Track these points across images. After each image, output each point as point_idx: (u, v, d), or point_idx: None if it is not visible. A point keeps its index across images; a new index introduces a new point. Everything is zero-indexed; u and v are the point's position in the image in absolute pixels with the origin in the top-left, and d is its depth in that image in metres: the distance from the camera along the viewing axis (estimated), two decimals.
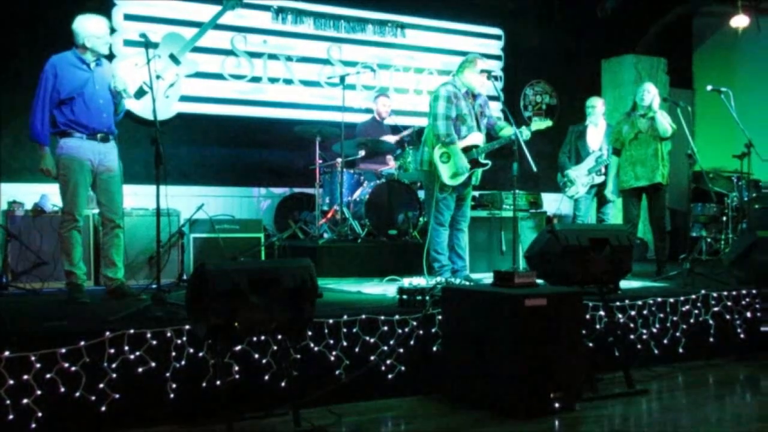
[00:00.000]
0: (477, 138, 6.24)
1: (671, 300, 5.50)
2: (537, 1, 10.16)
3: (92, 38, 5.19)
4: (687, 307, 5.56)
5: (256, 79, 8.50)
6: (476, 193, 7.60)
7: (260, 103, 8.53)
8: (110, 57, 5.77)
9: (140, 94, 7.20)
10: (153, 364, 3.84)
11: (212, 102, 8.25)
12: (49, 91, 5.12)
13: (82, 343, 3.69)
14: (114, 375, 3.74)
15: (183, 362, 3.91)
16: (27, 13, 7.32)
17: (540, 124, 6.39)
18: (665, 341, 5.41)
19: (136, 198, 6.59)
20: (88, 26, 5.21)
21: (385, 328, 4.47)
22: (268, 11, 8.61)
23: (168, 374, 3.87)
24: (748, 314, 5.82)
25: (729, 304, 5.75)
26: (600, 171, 7.49)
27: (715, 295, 5.72)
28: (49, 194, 6.46)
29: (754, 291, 5.89)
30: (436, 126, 6.10)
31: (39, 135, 5.14)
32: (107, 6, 7.50)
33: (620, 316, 5.24)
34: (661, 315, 5.43)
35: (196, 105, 8.15)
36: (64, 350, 3.65)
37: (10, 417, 3.51)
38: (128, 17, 7.72)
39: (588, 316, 5.05)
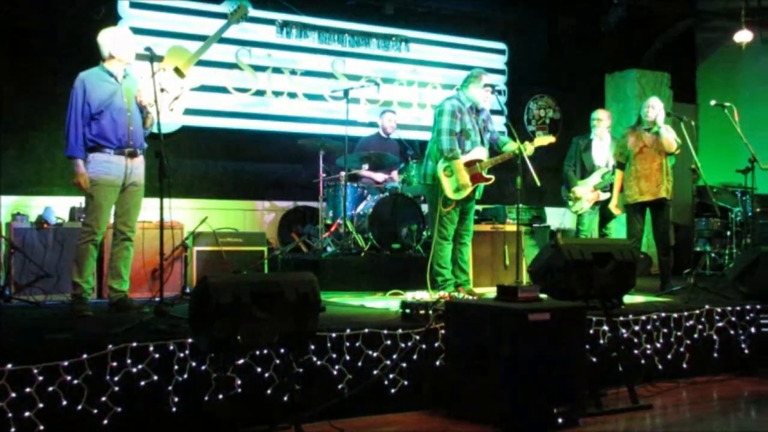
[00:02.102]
0: (480, 153, 6.25)
1: (675, 315, 5.48)
2: (540, 16, 10.19)
3: (117, 48, 5.26)
4: (691, 322, 5.54)
5: (260, 93, 8.54)
6: (480, 207, 7.60)
7: (264, 117, 8.55)
8: None
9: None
10: (155, 378, 3.83)
11: (216, 115, 8.28)
12: (80, 105, 5.15)
13: (85, 356, 3.68)
14: (116, 388, 3.73)
15: (185, 375, 3.90)
16: (32, 27, 7.35)
17: (543, 140, 6.42)
18: (669, 356, 5.39)
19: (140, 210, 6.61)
20: (111, 36, 5.31)
21: (388, 342, 4.46)
22: (273, 25, 8.65)
23: (170, 388, 3.86)
24: (753, 329, 5.79)
25: (733, 319, 5.74)
26: (606, 187, 7.48)
27: (719, 310, 5.70)
28: (52, 207, 6.48)
29: (758, 306, 5.87)
30: (440, 141, 6.12)
31: (74, 150, 5.15)
32: (113, 20, 7.53)
33: (624, 331, 5.23)
34: (665, 330, 5.41)
35: (201, 118, 8.18)
36: (66, 363, 3.64)
37: (12, 430, 3.49)
38: (134, 30, 7.69)
39: (591, 331, 5.03)
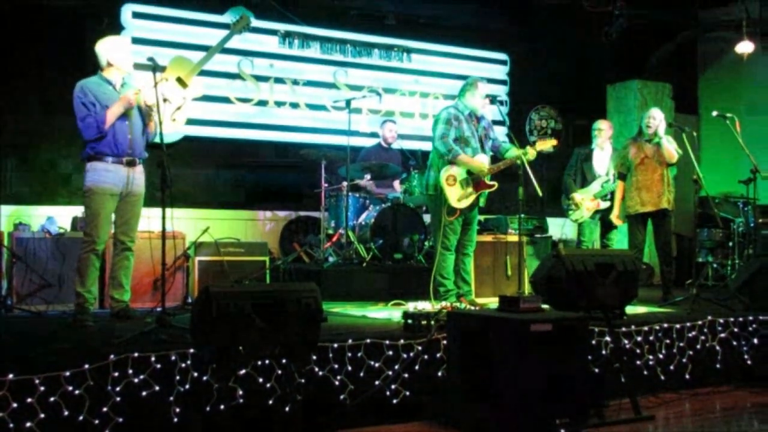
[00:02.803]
0: (482, 160, 6.25)
1: (677, 326, 5.47)
2: (542, 27, 10.21)
3: (114, 55, 5.30)
4: (693, 333, 5.53)
5: (262, 103, 8.55)
6: (481, 218, 7.60)
7: (266, 127, 8.57)
8: None
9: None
10: (157, 388, 3.83)
11: (218, 125, 8.30)
12: (81, 103, 5.16)
13: (86, 366, 3.68)
14: (118, 398, 3.73)
15: (187, 386, 3.90)
16: (33, 38, 7.38)
17: (545, 143, 6.42)
18: (671, 367, 5.38)
19: (142, 220, 6.60)
20: (108, 44, 5.35)
21: (390, 352, 4.45)
22: (275, 36, 8.68)
23: (172, 398, 3.85)
24: (755, 340, 5.78)
25: (736, 330, 5.72)
26: (606, 196, 7.48)
27: (721, 321, 5.68)
28: (54, 217, 6.48)
29: (760, 317, 5.85)
30: (437, 147, 6.15)
31: (100, 131, 5.12)
32: (116, 31, 7.55)
33: (626, 341, 5.21)
34: (668, 341, 5.40)
35: (203, 128, 8.20)
36: (68, 373, 3.64)
37: None
38: (136, 41, 7.76)
39: (594, 342, 5.02)
